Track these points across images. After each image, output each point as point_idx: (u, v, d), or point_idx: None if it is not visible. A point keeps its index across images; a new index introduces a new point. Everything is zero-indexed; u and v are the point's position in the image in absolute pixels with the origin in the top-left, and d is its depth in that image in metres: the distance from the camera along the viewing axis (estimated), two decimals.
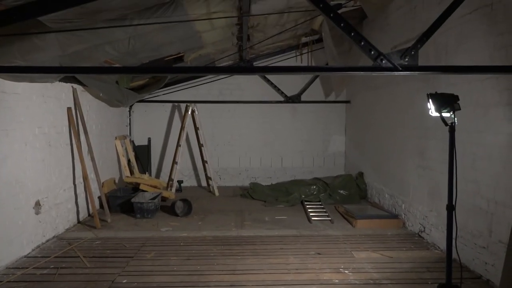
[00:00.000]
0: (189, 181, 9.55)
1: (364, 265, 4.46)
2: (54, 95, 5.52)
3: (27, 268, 4.32)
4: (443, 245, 4.90)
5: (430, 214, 5.27)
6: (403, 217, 6.10)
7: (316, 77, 9.32)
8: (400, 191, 6.26)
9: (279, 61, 9.19)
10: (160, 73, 3.11)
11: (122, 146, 8.21)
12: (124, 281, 4.01)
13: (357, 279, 4.07)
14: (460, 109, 2.81)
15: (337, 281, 4.03)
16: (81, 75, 5.71)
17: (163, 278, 4.08)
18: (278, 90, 9.34)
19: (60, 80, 5.54)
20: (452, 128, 2.82)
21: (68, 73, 3.56)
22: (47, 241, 5.23)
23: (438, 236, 5.05)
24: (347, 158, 9.58)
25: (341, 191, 7.80)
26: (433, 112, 2.83)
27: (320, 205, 7.33)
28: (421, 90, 5.46)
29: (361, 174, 8.21)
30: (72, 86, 6.05)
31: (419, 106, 5.54)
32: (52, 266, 4.39)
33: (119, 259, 4.63)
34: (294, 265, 4.44)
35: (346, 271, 4.27)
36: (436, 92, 2.84)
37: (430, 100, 2.82)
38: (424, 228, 5.42)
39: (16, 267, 4.35)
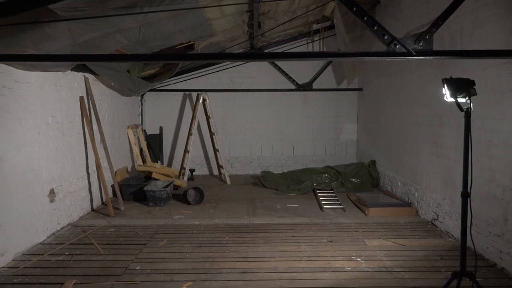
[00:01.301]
0: (201, 170, 9.59)
1: (377, 253, 4.44)
2: (67, 84, 5.56)
3: (42, 254, 4.40)
4: (456, 233, 4.86)
5: (443, 202, 5.21)
6: (416, 205, 6.05)
7: (327, 64, 9.22)
8: (413, 179, 6.20)
9: (290, 48, 9.12)
10: (171, 60, 3.10)
11: (134, 135, 8.25)
12: (138, 267, 4.06)
13: (369, 267, 4.05)
14: (476, 94, 2.74)
15: (349, 268, 4.02)
16: (92, 63, 5.74)
17: (175, 265, 4.12)
18: (289, 78, 9.27)
19: (72, 69, 5.57)
20: (467, 114, 2.76)
21: (79, 61, 3.57)
22: (62, 228, 5.31)
23: (451, 224, 4.99)
24: (359, 147, 9.51)
25: (353, 179, 7.75)
26: (448, 97, 2.77)
27: (332, 193, 7.30)
28: (435, 77, 5.37)
29: (373, 162, 8.15)
30: (84, 75, 6.08)
31: (433, 93, 5.46)
32: (67, 253, 4.46)
33: (133, 246, 4.69)
34: (306, 253, 4.44)
35: (358, 259, 4.26)
36: (451, 77, 2.77)
37: (445, 85, 2.76)
38: (438, 216, 5.37)
39: (32, 254, 4.43)
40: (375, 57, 2.95)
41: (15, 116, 4.34)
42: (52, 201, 5.08)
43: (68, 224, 5.49)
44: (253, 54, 3.35)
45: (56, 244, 4.76)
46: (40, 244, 4.76)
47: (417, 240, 4.89)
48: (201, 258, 4.31)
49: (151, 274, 3.91)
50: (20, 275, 3.88)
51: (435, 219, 5.46)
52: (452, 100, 2.75)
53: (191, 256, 4.38)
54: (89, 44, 4.73)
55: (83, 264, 4.15)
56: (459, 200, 4.78)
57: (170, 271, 3.97)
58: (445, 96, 2.79)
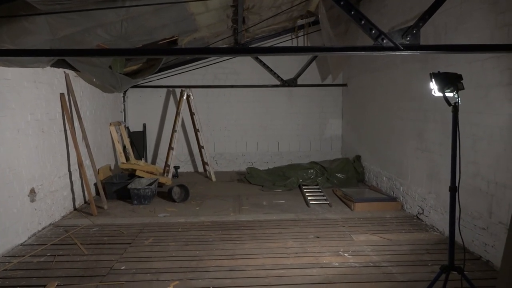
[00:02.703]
0: (186, 167, 9.49)
1: (364, 248, 4.45)
2: (46, 81, 5.40)
3: (23, 256, 4.27)
4: (442, 227, 4.90)
5: (428, 196, 5.25)
6: (401, 199, 6.09)
7: (312, 60, 9.20)
8: (399, 174, 6.24)
9: (275, 43, 9.08)
10: (155, 55, 3.01)
11: (117, 132, 8.10)
12: (123, 267, 3.97)
13: (357, 262, 4.06)
14: (463, 88, 2.74)
15: (337, 264, 4.02)
16: (73, 59, 5.59)
17: (161, 264, 4.04)
18: (274, 74, 9.23)
19: (52, 66, 5.41)
20: (455, 108, 2.76)
21: (59, 55, 3.45)
22: (43, 228, 5.17)
23: (437, 218, 5.04)
24: (344, 142, 9.54)
25: (339, 175, 7.77)
26: (436, 92, 2.77)
27: (318, 189, 7.30)
28: (420, 72, 5.40)
29: (358, 158, 8.18)
30: (64, 72, 5.92)
31: (418, 88, 5.49)
32: (49, 254, 4.34)
33: (117, 245, 4.59)
34: (293, 249, 4.42)
35: (345, 254, 4.26)
36: (439, 72, 2.77)
37: (433, 80, 2.75)
38: (423, 210, 5.41)
39: (12, 255, 4.30)
40: (362, 52, 2.93)
41: None
42: (32, 200, 4.94)
43: (50, 224, 5.35)
44: (238, 48, 3.28)
45: (37, 245, 4.62)
46: (21, 245, 4.62)
47: (403, 234, 4.92)
48: (187, 256, 4.25)
49: (137, 274, 3.83)
50: (0, 278, 3.75)
51: (420, 213, 5.50)
52: (440, 94, 2.74)
53: (177, 254, 4.31)
54: (69, 39, 4.59)
55: (66, 265, 4.04)
56: (444, 194, 4.86)
57: (156, 270, 3.90)
58: (433, 90, 2.79)
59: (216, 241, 4.71)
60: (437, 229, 5.02)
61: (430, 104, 5.14)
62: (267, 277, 3.72)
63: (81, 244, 4.62)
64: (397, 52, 2.81)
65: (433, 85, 2.76)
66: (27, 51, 3.35)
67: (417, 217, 5.56)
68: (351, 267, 3.95)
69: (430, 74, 2.77)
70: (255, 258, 4.16)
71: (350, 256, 4.21)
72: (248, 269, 3.91)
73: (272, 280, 3.66)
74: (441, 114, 4.88)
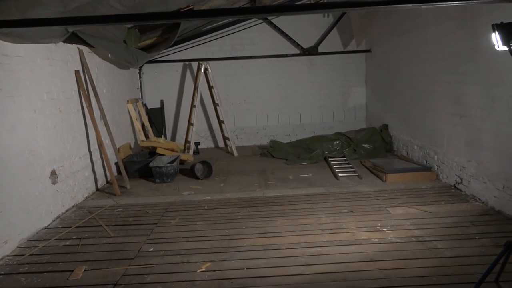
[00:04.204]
0: (206, 143, 9.29)
1: (403, 221, 4.18)
2: (60, 58, 5.16)
3: (48, 240, 4.14)
4: (485, 196, 4.59)
5: (468, 164, 4.92)
6: (436, 169, 5.76)
7: (333, 26, 8.75)
8: (432, 142, 5.89)
9: None
10: (168, 19, 2.75)
11: (135, 110, 7.90)
12: (151, 249, 3.81)
13: (397, 237, 3.80)
14: None
15: (376, 240, 3.77)
16: (87, 35, 5.33)
17: (191, 245, 3.86)
18: (293, 42, 8.83)
19: (65, 41, 5.16)
20: None
21: (71, 24, 3.17)
22: (67, 210, 5.05)
23: (478, 188, 4.72)
24: (368, 111, 9.16)
25: (366, 145, 7.45)
26: (500, 46, 2.41)
27: (345, 160, 7.02)
28: (457, 31, 4.97)
29: (385, 127, 7.82)
30: (78, 47, 5.67)
31: (454, 48, 5.07)
32: (74, 237, 4.20)
33: (143, 226, 4.43)
34: (327, 225, 4.18)
35: (384, 229, 4.00)
36: (502, 22, 2.40)
37: (496, 32, 2.39)
38: (462, 179, 5.09)
39: (37, 239, 4.17)
40: (410, 4, 2.56)
41: (7, 94, 3.98)
42: (54, 182, 4.79)
43: (73, 206, 5.22)
44: (251, 8, 2.96)
45: (62, 227, 4.49)
46: (46, 228, 4.50)
47: (443, 206, 4.62)
48: (217, 236, 4.06)
49: (166, 255, 3.66)
50: (26, 264, 3.63)
51: (458, 183, 5.18)
52: (505, 48, 2.38)
53: (206, 234, 4.12)
54: (81, 11, 4.30)
55: (93, 249, 3.90)
56: (487, 161, 4.52)
57: (186, 251, 3.72)
58: (497, 45, 2.43)
59: (245, 219, 4.50)
60: (479, 199, 4.70)
61: (469, 65, 4.74)
62: (303, 256, 3.50)
63: (106, 225, 4.48)
64: (448, 4, 2.45)
65: (496, 38, 2.40)
66: (38, 21, 3.05)
67: (455, 187, 5.25)
68: (392, 242, 3.70)
69: (493, 25, 2.41)
70: (288, 236, 3.95)
71: (389, 231, 3.95)
72: (282, 248, 3.69)
73: (309, 259, 3.44)
74: (483, 76, 4.49)
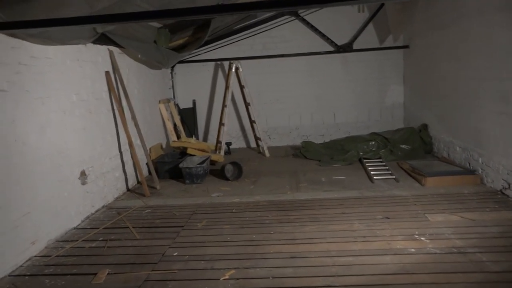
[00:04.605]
0: (238, 143, 9.18)
1: (443, 230, 3.87)
2: (90, 59, 5.18)
3: (76, 241, 4.14)
4: None
5: None
6: (480, 172, 5.36)
7: (369, 21, 8.40)
8: (476, 143, 5.48)
9: (326, 6, 8.33)
10: (200, 14, 2.61)
11: (166, 110, 7.91)
12: (175, 253, 3.71)
13: (437, 247, 3.51)
14: None
15: (413, 250, 3.49)
16: (117, 36, 5.33)
17: (216, 250, 3.73)
18: (327, 39, 8.55)
19: (95, 42, 5.18)
20: None
21: (100, 22, 3.09)
22: (97, 211, 5.06)
23: None
24: (406, 110, 8.74)
25: (403, 146, 7.09)
26: None
27: (381, 162, 6.69)
28: (504, 22, 4.57)
29: (424, 126, 7.41)
30: (108, 49, 5.68)
31: (502, 41, 4.67)
32: (101, 239, 4.18)
33: (169, 229, 4.35)
34: (360, 232, 3.94)
35: (422, 238, 3.72)
36: None
37: None
38: (509, 184, 4.69)
39: (65, 240, 4.19)
40: None
41: (35, 95, 4.00)
42: (83, 183, 4.81)
43: (103, 206, 5.24)
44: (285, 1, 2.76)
45: (90, 228, 4.50)
46: (75, 229, 4.51)
47: (488, 213, 4.26)
48: (243, 241, 3.91)
49: (190, 261, 3.54)
50: (52, 265, 3.62)
51: (505, 188, 4.78)
52: None
53: (232, 239, 3.98)
54: (108, 12, 4.29)
55: (118, 251, 3.85)
56: None
57: (210, 257, 3.59)
58: None
59: (274, 223, 4.33)
60: None
61: None
62: (333, 266, 3.29)
63: (133, 227, 4.43)
64: None
65: None
66: (62, 20, 2.98)
67: (502, 192, 4.85)
68: (431, 253, 3.42)
69: None
70: (318, 243, 3.74)
71: (427, 240, 3.66)
72: (311, 256, 3.50)
73: (340, 270, 3.22)
74: None
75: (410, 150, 7.04)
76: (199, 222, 4.48)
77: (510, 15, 4.48)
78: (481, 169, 5.34)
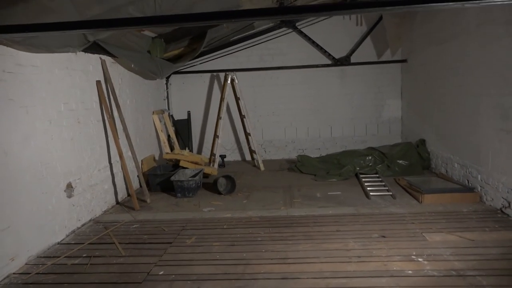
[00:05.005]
0: (232, 155, 9.03)
1: (441, 250, 3.72)
2: (80, 68, 5.05)
3: (58, 257, 3.95)
4: None
5: None
6: (479, 190, 5.22)
7: (367, 35, 8.35)
8: (475, 160, 5.35)
9: (324, 18, 8.28)
10: (190, 21, 2.50)
11: (160, 121, 7.76)
12: (161, 272, 3.53)
13: (435, 269, 3.35)
14: None
15: (410, 272, 3.33)
16: (110, 45, 5.22)
17: (204, 269, 3.56)
18: (324, 52, 8.47)
19: (85, 51, 5.06)
20: None
21: (88, 28, 2.97)
22: (83, 225, 4.88)
23: None
24: (404, 125, 8.63)
25: (401, 162, 6.95)
26: None
27: (378, 177, 6.55)
28: (504, 37, 4.48)
29: (422, 142, 7.29)
30: (100, 58, 5.55)
31: (501, 56, 4.57)
32: (85, 255, 3.99)
33: (157, 245, 4.17)
34: (355, 252, 3.77)
35: (419, 259, 3.55)
36: None
37: None
38: (509, 203, 4.54)
39: (47, 256, 4.00)
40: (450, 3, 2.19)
41: (20, 104, 3.85)
42: (70, 196, 4.63)
43: (90, 220, 5.05)
44: (279, 9, 2.66)
45: (74, 243, 4.31)
46: (58, 244, 4.33)
47: (488, 233, 4.11)
48: (233, 259, 3.74)
49: (176, 281, 3.37)
50: (31, 283, 3.43)
51: (505, 207, 4.63)
52: None
53: (222, 257, 3.81)
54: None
55: (101, 269, 3.67)
56: None
57: (198, 276, 3.41)
58: None
59: (266, 241, 4.16)
60: None
61: None
62: None
63: (119, 243, 4.25)
64: None
65: None
66: (48, 25, 2.82)
67: (502, 211, 4.70)
68: (429, 276, 3.26)
69: None
70: (311, 263, 3.57)
71: (425, 262, 3.50)
72: (303, 277, 3.32)
73: None
74: None
75: (407, 165, 6.91)
76: (188, 239, 4.31)
77: (510, 30, 4.39)
78: (480, 186, 5.20)
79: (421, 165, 6.98)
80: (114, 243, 4.27)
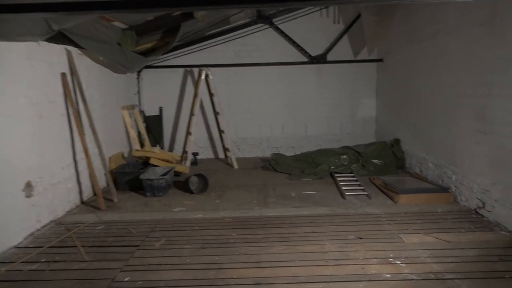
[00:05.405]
0: (205, 153, 8.79)
1: (418, 252, 3.63)
2: (43, 59, 4.71)
3: (14, 262, 3.64)
4: (511, 224, 4.03)
5: (493, 187, 4.36)
6: (453, 190, 5.20)
7: (344, 33, 8.28)
8: (450, 161, 5.34)
9: (302, 15, 8.17)
10: (162, 7, 2.31)
11: (130, 117, 7.45)
12: (127, 278, 3.29)
13: (413, 272, 3.25)
14: None
15: (388, 275, 3.22)
16: (76, 36, 4.91)
17: (173, 274, 3.35)
18: (301, 49, 8.35)
19: (49, 41, 4.73)
20: None
21: (47, 11, 2.70)
22: (43, 227, 4.56)
23: (504, 214, 4.16)
24: (378, 124, 8.62)
25: (376, 161, 6.91)
26: None
27: (353, 177, 6.47)
28: (484, 38, 4.45)
29: (397, 141, 7.27)
30: (65, 49, 5.23)
31: (480, 58, 4.55)
32: (43, 260, 3.70)
33: (123, 248, 3.92)
34: (331, 254, 3.64)
35: (397, 262, 3.46)
36: None
37: None
38: (484, 204, 4.53)
39: (1, 262, 3.68)
40: None
41: None
42: (29, 195, 4.31)
43: (51, 221, 4.73)
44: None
45: (33, 247, 4.00)
46: (15, 248, 4.00)
47: (464, 234, 4.06)
48: (204, 263, 3.54)
49: (143, 287, 3.14)
50: None
51: (480, 207, 4.62)
52: None
53: (192, 261, 3.60)
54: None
55: (61, 276, 3.39)
56: None
57: (166, 283, 3.20)
58: None
59: (238, 243, 3.98)
60: (505, 227, 4.14)
61: (497, 76, 4.21)
62: None
63: (82, 246, 3.97)
64: None
65: None
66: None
67: (476, 211, 4.68)
68: (408, 279, 3.15)
69: None
70: (286, 267, 3.41)
71: (403, 264, 3.40)
72: (277, 282, 3.16)
73: None
74: (510, 88, 3.97)
75: (382, 165, 6.87)
76: (157, 241, 4.08)
77: (489, 31, 4.36)
78: (455, 186, 5.19)
79: (395, 164, 6.96)
80: (76, 246, 3.99)
